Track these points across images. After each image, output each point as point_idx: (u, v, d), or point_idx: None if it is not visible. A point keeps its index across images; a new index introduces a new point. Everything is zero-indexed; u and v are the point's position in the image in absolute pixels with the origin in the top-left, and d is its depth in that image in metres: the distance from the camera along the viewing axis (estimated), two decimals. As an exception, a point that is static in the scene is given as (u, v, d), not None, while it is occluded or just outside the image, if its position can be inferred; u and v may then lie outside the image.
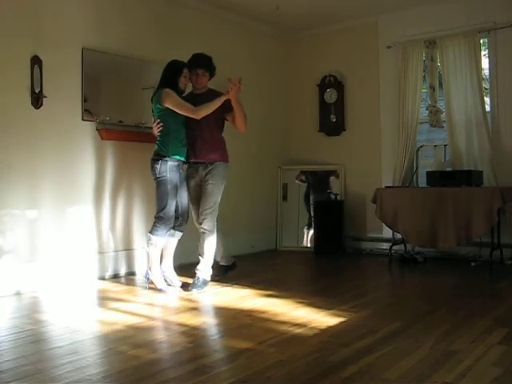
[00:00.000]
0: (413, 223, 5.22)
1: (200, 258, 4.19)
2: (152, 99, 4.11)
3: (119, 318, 3.25)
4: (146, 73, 5.05)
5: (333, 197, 6.17)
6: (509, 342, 2.65)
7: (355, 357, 2.47)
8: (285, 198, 6.57)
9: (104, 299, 3.90)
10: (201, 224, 4.17)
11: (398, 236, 5.54)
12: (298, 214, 6.48)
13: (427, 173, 5.46)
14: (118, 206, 4.79)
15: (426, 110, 5.80)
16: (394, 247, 5.54)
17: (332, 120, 6.38)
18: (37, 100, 4.13)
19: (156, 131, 4.07)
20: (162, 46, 5.20)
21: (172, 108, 3.97)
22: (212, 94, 4.14)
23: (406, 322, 3.07)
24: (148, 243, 4.08)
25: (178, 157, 4.06)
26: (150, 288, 4.07)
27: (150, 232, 4.05)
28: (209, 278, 4.18)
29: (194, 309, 3.49)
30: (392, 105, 5.94)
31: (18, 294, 3.95)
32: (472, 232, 4.90)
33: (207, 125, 4.12)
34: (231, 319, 3.23)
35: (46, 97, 4.15)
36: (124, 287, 4.31)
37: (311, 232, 6.27)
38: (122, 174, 4.82)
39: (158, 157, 4.01)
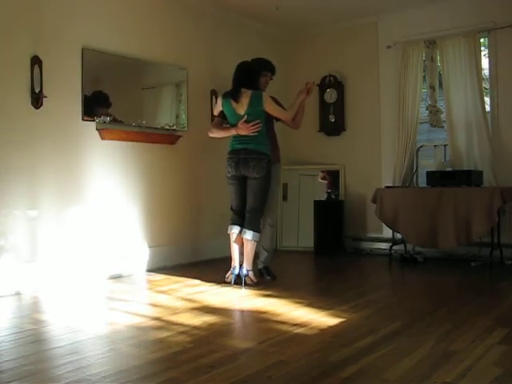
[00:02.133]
0: (413, 223, 5.22)
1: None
2: (232, 96, 4.19)
3: (119, 318, 3.25)
4: (146, 73, 5.06)
5: (333, 197, 6.17)
6: (509, 341, 2.65)
7: (355, 357, 2.46)
8: (285, 198, 6.57)
9: (104, 299, 3.90)
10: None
11: (398, 236, 5.54)
12: (298, 214, 6.48)
13: (427, 173, 5.46)
14: (118, 206, 4.79)
15: (426, 110, 5.80)
16: (394, 247, 5.54)
17: (331, 120, 6.38)
18: (37, 100, 4.13)
19: (253, 130, 4.13)
20: (162, 45, 5.20)
21: (271, 112, 4.24)
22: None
23: (406, 321, 3.07)
24: (252, 240, 4.20)
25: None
26: (247, 285, 4.16)
27: (256, 229, 4.21)
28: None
29: (194, 309, 3.48)
30: (392, 105, 5.94)
31: (18, 294, 3.95)
32: (472, 232, 4.90)
33: (270, 126, 4.45)
34: (231, 319, 3.23)
35: (45, 97, 4.15)
36: (124, 287, 4.31)
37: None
38: (122, 174, 4.82)
39: (265, 156, 4.16)
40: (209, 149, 5.68)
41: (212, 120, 5.72)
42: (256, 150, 4.14)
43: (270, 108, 4.19)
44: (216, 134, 4.37)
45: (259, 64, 4.45)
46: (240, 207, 4.29)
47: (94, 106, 4.55)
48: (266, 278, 4.43)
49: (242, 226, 4.22)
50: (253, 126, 4.11)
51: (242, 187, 4.26)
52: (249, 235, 4.19)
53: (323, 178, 6.47)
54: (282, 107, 4.46)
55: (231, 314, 3.38)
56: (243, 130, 4.14)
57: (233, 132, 4.22)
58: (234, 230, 4.27)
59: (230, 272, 4.31)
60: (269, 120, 4.37)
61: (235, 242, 4.28)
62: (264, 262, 4.54)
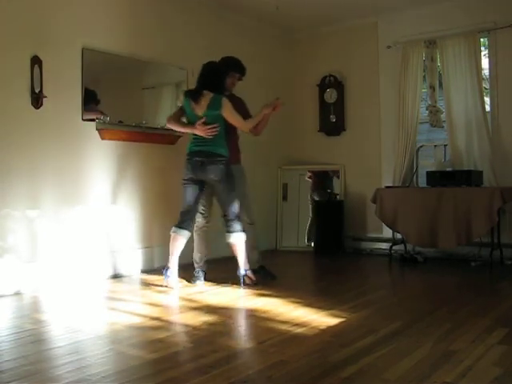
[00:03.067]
0: (413, 223, 5.22)
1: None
2: (192, 96, 4.13)
3: (119, 318, 3.25)
4: (146, 73, 5.06)
5: (333, 197, 6.17)
6: (509, 341, 2.65)
7: (355, 357, 2.46)
8: (285, 198, 6.57)
9: (104, 299, 3.90)
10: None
11: (398, 236, 5.54)
12: (298, 214, 6.48)
13: (427, 173, 5.46)
14: (118, 206, 4.79)
15: (426, 110, 5.80)
16: (394, 247, 5.54)
17: (332, 120, 6.38)
18: (37, 100, 4.13)
19: (208, 133, 4.05)
20: (162, 45, 5.20)
21: (227, 119, 4.12)
22: (235, 98, 4.35)
23: (406, 321, 3.07)
24: (240, 241, 4.14)
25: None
26: (247, 285, 4.14)
27: (240, 229, 4.13)
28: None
29: (194, 309, 3.48)
30: (392, 105, 5.94)
31: (18, 293, 3.95)
32: (472, 232, 4.90)
33: (231, 129, 4.32)
34: (231, 319, 3.23)
35: (45, 97, 4.15)
36: (124, 287, 4.31)
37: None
38: (122, 174, 4.81)
39: (222, 158, 4.08)
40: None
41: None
42: (212, 153, 4.06)
43: (227, 114, 4.09)
44: (173, 126, 4.27)
45: (227, 64, 4.34)
46: (190, 211, 4.17)
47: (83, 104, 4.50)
48: (265, 279, 4.35)
49: (188, 230, 4.16)
50: (210, 129, 4.04)
51: (196, 191, 4.15)
52: (235, 238, 4.12)
53: (309, 177, 6.50)
54: (247, 112, 4.36)
55: (231, 313, 3.38)
56: (200, 131, 4.06)
57: (190, 130, 4.15)
58: (180, 233, 4.14)
59: (166, 274, 4.19)
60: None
61: (176, 244, 4.16)
62: (258, 262, 4.47)
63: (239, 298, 3.81)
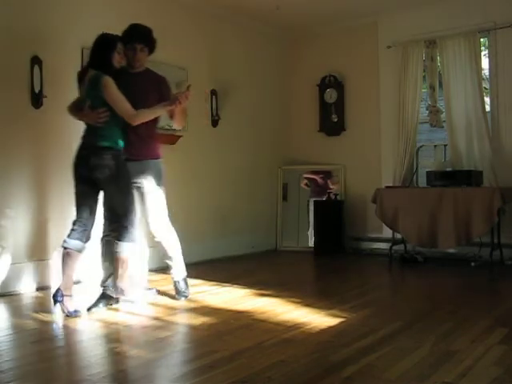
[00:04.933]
0: (413, 223, 5.21)
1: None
2: (79, 76, 3.49)
3: (119, 318, 3.25)
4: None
5: (333, 197, 6.17)
6: (509, 341, 2.65)
7: (355, 357, 2.46)
8: (285, 198, 6.57)
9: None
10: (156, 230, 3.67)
11: (398, 236, 5.53)
12: (298, 214, 6.48)
13: (427, 173, 5.46)
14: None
15: (426, 109, 5.80)
16: (394, 247, 5.54)
17: (333, 120, 6.38)
18: (37, 100, 4.13)
19: (97, 120, 3.33)
20: (161, 45, 5.17)
21: (109, 103, 3.32)
22: (150, 76, 3.63)
23: (406, 321, 3.07)
24: (126, 255, 3.41)
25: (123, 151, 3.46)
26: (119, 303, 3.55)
27: (130, 240, 3.41)
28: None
29: (194, 309, 3.48)
30: (392, 105, 5.94)
31: (18, 293, 3.95)
32: (472, 232, 4.90)
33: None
34: (231, 319, 3.23)
35: (45, 97, 4.15)
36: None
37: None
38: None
39: (110, 151, 3.34)
40: (209, 148, 5.68)
41: (212, 119, 5.74)
42: (97, 145, 3.33)
43: (107, 95, 3.29)
44: (71, 114, 3.58)
45: (118, 37, 3.48)
46: (82, 218, 3.37)
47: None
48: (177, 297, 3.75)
49: (82, 241, 3.36)
50: (98, 114, 3.30)
51: (85, 192, 3.38)
52: (121, 249, 3.39)
53: (305, 185, 6.50)
54: (165, 95, 3.58)
55: (231, 313, 3.38)
56: (87, 117, 3.38)
57: (79, 118, 3.50)
58: (69, 246, 3.32)
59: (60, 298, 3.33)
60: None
61: (65, 261, 3.33)
62: (176, 274, 3.80)
63: (239, 298, 3.81)
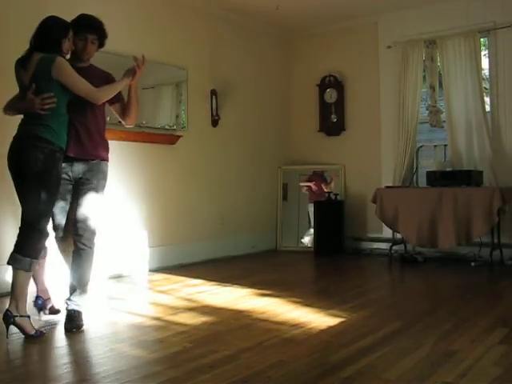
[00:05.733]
0: (413, 223, 5.21)
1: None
2: (22, 62, 3.05)
3: (120, 318, 3.25)
4: (146, 73, 5.03)
5: (333, 197, 6.17)
6: (509, 341, 2.65)
7: (355, 357, 2.47)
8: (285, 198, 6.57)
9: (105, 299, 3.90)
10: (80, 237, 3.12)
11: (398, 236, 5.54)
12: (298, 214, 6.48)
13: (427, 173, 5.46)
14: (118, 206, 4.79)
15: (426, 109, 5.80)
16: (394, 247, 5.54)
17: (333, 120, 6.37)
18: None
19: (41, 107, 2.90)
20: (162, 45, 5.19)
21: (67, 84, 2.95)
22: (97, 72, 3.28)
23: (406, 321, 3.07)
24: (22, 269, 2.88)
25: (63, 148, 3.03)
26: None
27: (31, 254, 2.90)
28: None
29: (194, 309, 3.48)
30: (392, 105, 5.94)
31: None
32: (472, 232, 4.90)
33: (93, 112, 3.15)
34: (231, 319, 3.23)
35: (45, 97, 4.11)
36: (125, 287, 4.31)
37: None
38: (122, 174, 4.81)
39: (47, 145, 2.90)
40: (209, 148, 5.68)
41: (212, 119, 5.74)
42: (36, 134, 2.90)
43: (63, 76, 2.92)
44: (9, 111, 3.16)
45: (69, 24, 3.20)
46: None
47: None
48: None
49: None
50: (43, 100, 2.88)
51: (21, 191, 2.98)
52: (16, 263, 2.88)
53: (306, 190, 6.50)
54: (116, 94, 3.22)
55: (231, 314, 3.38)
56: (31, 103, 2.92)
57: (22, 108, 3.03)
58: None
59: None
60: (103, 108, 3.23)
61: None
62: (72, 302, 3.08)
63: (239, 298, 3.80)
